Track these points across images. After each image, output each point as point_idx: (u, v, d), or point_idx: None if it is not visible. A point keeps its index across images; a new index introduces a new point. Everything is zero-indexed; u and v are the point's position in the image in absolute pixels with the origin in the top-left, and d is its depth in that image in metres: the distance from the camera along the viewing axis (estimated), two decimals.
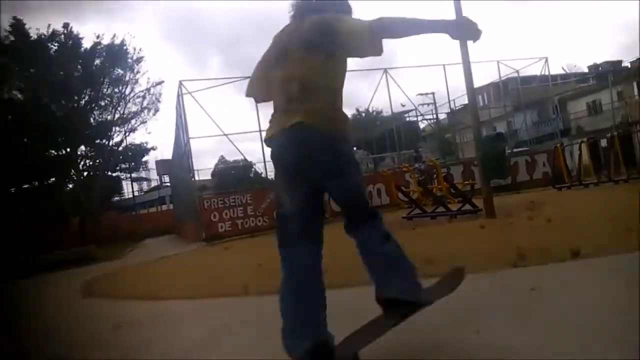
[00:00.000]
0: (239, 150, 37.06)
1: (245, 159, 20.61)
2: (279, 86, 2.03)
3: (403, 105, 25.38)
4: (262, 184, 18.58)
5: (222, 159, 36.12)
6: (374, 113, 34.72)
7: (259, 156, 17.75)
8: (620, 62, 34.39)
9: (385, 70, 18.15)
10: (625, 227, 4.09)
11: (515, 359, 1.79)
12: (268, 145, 2.07)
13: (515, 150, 20.08)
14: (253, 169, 24.83)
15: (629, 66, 31.09)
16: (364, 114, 34.79)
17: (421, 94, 30.45)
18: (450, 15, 7.36)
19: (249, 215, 12.72)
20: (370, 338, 1.96)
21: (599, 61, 36.06)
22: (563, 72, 33.28)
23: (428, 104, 29.67)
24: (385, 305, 2.04)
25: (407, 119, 30.32)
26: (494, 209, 7.34)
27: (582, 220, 5.50)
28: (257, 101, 2.36)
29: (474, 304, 2.61)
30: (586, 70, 35.79)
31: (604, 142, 12.54)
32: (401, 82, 35.05)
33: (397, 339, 2.18)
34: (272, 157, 2.06)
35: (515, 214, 7.15)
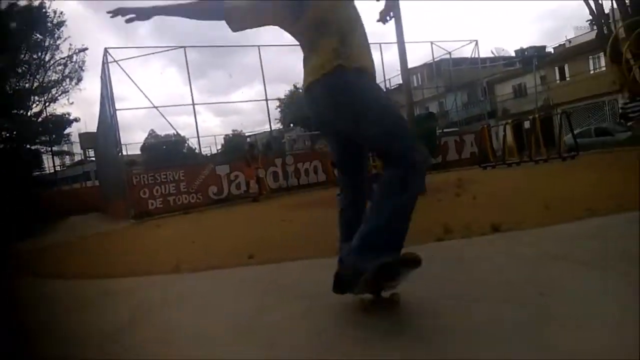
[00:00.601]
0: (171, 124, 35.68)
1: (178, 134, 19.90)
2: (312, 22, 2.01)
3: None
4: (197, 159, 18.08)
5: (152, 133, 34.74)
6: None
7: (193, 131, 17.28)
8: (544, 47, 36.47)
9: None
10: (542, 204, 4.40)
11: (440, 323, 1.88)
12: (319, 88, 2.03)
13: (445, 130, 20.88)
14: (186, 144, 24.08)
15: (552, 51, 33.04)
16: (301, 90, 34.64)
17: None
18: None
19: (182, 192, 12.37)
20: None
21: (525, 46, 38.06)
22: (492, 55, 34.77)
23: None
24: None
25: None
26: (425, 186, 7.60)
27: (503, 197, 5.85)
28: (240, 29, 2.16)
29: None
30: (513, 54, 37.64)
31: (527, 124, 13.30)
32: None
33: (326, 303, 2.23)
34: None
35: (444, 191, 7.46)
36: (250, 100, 62.70)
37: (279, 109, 35.87)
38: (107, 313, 2.99)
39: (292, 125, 31.57)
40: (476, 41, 21.47)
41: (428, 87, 29.08)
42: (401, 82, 10.99)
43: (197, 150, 19.23)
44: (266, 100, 16.13)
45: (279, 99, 32.38)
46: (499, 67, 34.36)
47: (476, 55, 22.91)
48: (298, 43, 2.16)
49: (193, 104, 14.58)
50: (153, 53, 15.28)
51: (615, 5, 10.40)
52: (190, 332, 2.33)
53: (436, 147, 15.14)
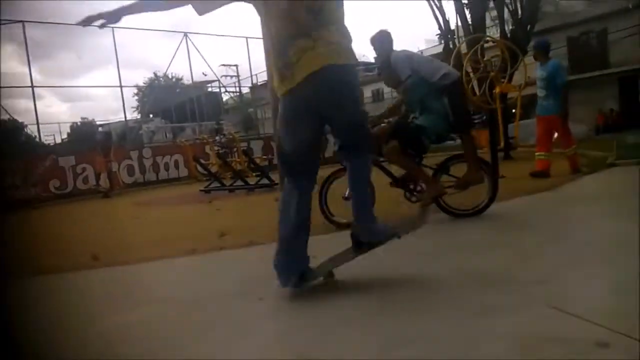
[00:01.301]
0: (4, 108, 31.03)
1: (14, 119, 17.32)
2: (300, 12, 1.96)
3: (205, 75, 24.61)
4: (36, 149, 15.97)
5: None
6: (174, 79, 32.98)
7: (33, 117, 14.93)
8: None
9: (186, 35, 17.32)
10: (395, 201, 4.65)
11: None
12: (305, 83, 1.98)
13: None
14: (24, 132, 21.12)
15: None
16: (162, 80, 32.74)
17: (224, 65, 29.83)
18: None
19: (17, 186, 10.78)
20: (340, 262, 2.28)
21: None
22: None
23: (231, 76, 29.34)
24: (352, 239, 2.31)
25: (210, 89, 29.58)
26: None
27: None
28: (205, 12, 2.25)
29: (261, 273, 2.63)
30: (373, 60, 40.04)
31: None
32: (203, 50, 33.70)
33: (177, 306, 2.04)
34: (307, 94, 2.01)
35: None
36: (103, 86, 57.27)
37: (136, 97, 33.52)
38: None
39: (151, 115, 29.68)
40: None
41: None
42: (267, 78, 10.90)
43: (37, 139, 17.03)
44: (120, 87, 14.93)
45: (137, 87, 30.21)
46: (360, 72, 36.38)
47: None
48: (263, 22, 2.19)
49: (32, 86, 12.87)
50: None
51: (459, 23, 11.60)
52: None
53: None
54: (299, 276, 2.16)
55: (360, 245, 2.27)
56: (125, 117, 16.46)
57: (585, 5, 25.06)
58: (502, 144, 7.34)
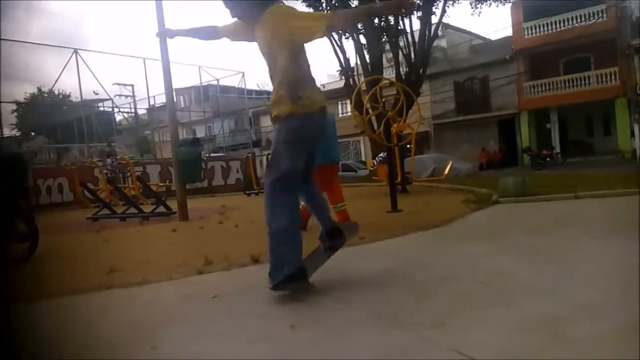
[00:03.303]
0: None
1: None
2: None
3: (96, 93, 23.03)
4: None
5: None
6: (60, 96, 30.49)
7: None
8: None
9: (76, 51, 16.20)
10: None
11: None
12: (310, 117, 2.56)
13: (212, 155, 20.92)
14: None
15: None
16: (47, 95, 30.10)
17: (119, 84, 28.12)
18: None
19: None
20: (316, 266, 2.80)
21: None
22: (257, 88, 36.79)
23: (126, 96, 27.76)
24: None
25: (101, 109, 27.70)
26: (187, 213, 7.32)
27: (263, 227, 5.96)
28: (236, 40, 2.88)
29: (154, 317, 2.45)
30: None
31: None
32: (95, 68, 31.87)
33: None
34: (305, 127, 2.54)
35: (207, 217, 7.30)
36: None
37: (16, 114, 30.38)
38: None
39: (33, 133, 27.02)
40: (243, 73, 22.40)
41: (195, 110, 28.89)
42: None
43: None
44: None
45: (17, 102, 27.37)
46: (264, 100, 36.57)
47: (243, 86, 23.84)
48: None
49: None
50: None
51: (359, 62, 12.19)
52: None
53: (200, 172, 14.93)
54: (298, 271, 2.48)
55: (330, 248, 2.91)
56: (2, 134, 14.81)
57: (469, 53, 27.83)
58: (399, 179, 7.71)
